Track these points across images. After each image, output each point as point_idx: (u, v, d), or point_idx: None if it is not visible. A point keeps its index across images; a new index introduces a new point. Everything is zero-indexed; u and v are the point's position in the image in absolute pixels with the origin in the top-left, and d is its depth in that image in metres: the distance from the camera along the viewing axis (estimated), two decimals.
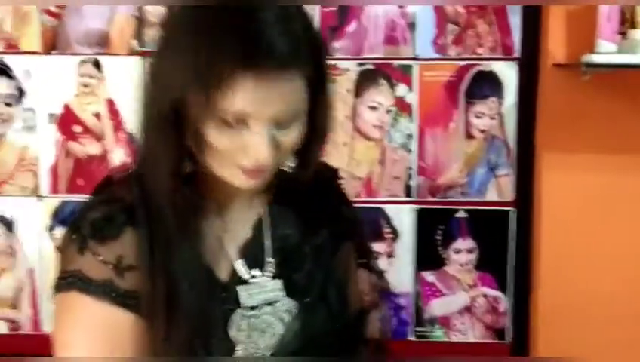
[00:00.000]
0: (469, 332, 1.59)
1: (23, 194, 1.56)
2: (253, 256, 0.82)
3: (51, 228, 1.56)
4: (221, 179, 0.76)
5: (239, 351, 0.78)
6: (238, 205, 0.83)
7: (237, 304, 0.79)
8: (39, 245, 1.57)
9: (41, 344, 1.59)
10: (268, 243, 0.84)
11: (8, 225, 1.56)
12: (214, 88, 0.66)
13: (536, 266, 1.57)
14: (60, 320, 0.76)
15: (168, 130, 0.71)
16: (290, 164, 0.82)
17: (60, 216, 1.56)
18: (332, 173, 0.95)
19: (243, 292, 0.80)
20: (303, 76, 0.70)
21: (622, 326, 1.58)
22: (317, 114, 0.75)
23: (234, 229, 0.83)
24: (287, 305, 0.82)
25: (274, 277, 0.82)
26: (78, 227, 0.75)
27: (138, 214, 0.75)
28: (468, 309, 1.58)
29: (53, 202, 1.56)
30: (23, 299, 1.58)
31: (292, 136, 0.74)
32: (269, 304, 0.81)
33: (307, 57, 0.71)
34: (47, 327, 1.58)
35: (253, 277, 0.81)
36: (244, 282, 0.80)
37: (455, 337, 1.59)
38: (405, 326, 1.59)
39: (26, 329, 1.59)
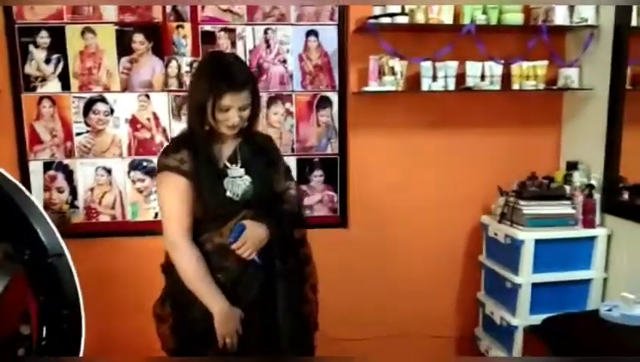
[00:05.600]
0: (322, 211, 3.39)
1: (114, 156, 3.17)
2: (232, 159, 1.87)
3: (129, 172, 3.19)
4: (219, 131, 1.80)
5: (228, 192, 1.80)
6: (227, 141, 1.89)
7: (227, 175, 1.84)
8: (123, 180, 3.19)
9: (126, 226, 3.29)
10: (238, 156, 1.89)
11: (108, 171, 3.18)
12: (216, 99, 1.74)
13: (348, 183, 3.29)
14: (159, 187, 1.83)
15: (198, 114, 1.78)
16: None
17: (132, 165, 3.17)
18: (266, 137, 2.07)
19: (229, 171, 1.85)
20: (248, 90, 1.78)
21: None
22: (254, 107, 1.85)
23: (226, 150, 1.88)
24: (246, 179, 1.87)
25: (241, 168, 1.87)
26: (165, 150, 1.85)
27: (187, 143, 1.80)
28: (320, 201, 3.39)
29: (128, 160, 3.18)
30: (117, 205, 3.22)
31: (246, 114, 1.82)
32: (240, 177, 1.86)
33: (249, 84, 1.78)
34: (129, 218, 3.23)
35: (231, 166, 1.85)
36: (228, 168, 1.84)
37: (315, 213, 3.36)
38: None
39: (118, 219, 3.23)
